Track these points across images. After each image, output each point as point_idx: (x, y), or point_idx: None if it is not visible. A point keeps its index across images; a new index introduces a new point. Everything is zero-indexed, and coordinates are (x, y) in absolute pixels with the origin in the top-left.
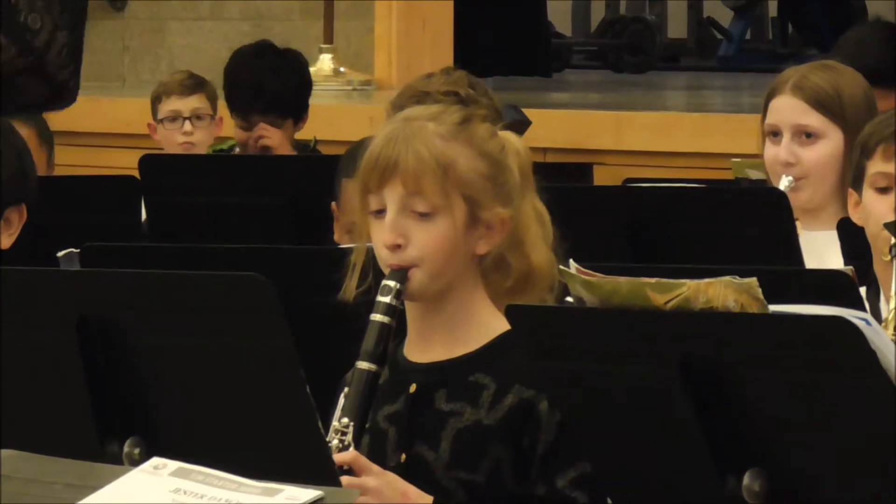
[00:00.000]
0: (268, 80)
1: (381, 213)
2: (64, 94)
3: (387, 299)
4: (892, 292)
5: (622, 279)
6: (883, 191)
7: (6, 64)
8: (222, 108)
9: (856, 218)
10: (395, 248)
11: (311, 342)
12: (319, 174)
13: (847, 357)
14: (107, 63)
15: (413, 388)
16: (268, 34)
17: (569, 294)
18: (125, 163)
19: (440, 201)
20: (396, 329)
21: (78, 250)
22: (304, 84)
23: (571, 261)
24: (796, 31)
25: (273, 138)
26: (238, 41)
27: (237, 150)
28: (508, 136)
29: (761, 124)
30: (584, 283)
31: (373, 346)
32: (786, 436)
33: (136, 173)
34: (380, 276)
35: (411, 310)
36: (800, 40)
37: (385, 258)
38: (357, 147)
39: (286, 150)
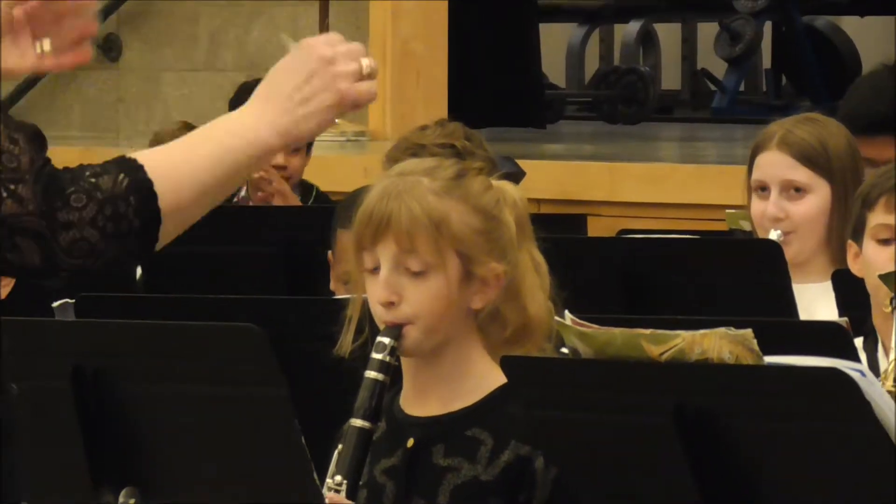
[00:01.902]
0: None
1: (375, 269)
2: (50, 276)
3: (381, 356)
4: (892, 344)
5: (617, 330)
6: (884, 242)
7: (15, 217)
8: None
9: (855, 269)
10: (389, 305)
11: (306, 392)
12: (314, 224)
13: (842, 408)
14: (101, 114)
15: (411, 442)
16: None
17: (564, 345)
18: None
19: (433, 259)
20: (393, 380)
21: (73, 301)
22: None
23: (567, 312)
24: (790, 82)
25: (294, 161)
26: (232, 91)
27: (244, 188)
28: (505, 187)
29: (747, 179)
30: (579, 334)
31: (366, 402)
32: (781, 486)
33: None
34: (376, 328)
35: (407, 363)
36: (793, 92)
37: (379, 315)
38: (353, 197)
39: (298, 178)
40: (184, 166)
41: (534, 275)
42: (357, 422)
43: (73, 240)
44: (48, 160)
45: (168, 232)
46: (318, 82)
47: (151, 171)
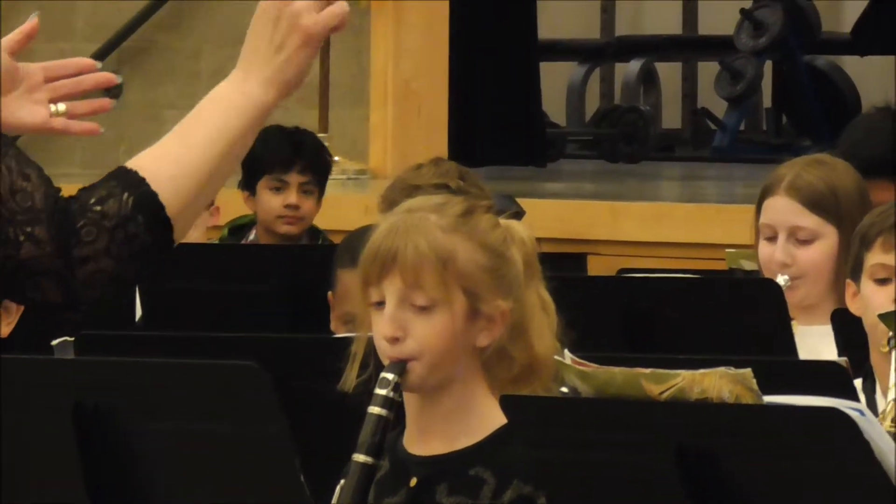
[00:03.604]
0: (307, 139)
1: (381, 304)
2: (65, 313)
3: (384, 392)
4: (890, 384)
5: (617, 369)
6: (882, 282)
7: (34, 259)
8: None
9: (854, 308)
10: (394, 340)
11: (309, 430)
12: (315, 263)
13: (841, 448)
14: (103, 152)
15: (414, 481)
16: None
17: (564, 384)
18: None
19: (439, 295)
20: (396, 419)
21: (73, 338)
22: (330, 161)
23: (566, 351)
24: (790, 121)
25: (307, 203)
26: None
27: (253, 232)
28: (513, 226)
29: (755, 221)
30: (578, 373)
31: (369, 438)
32: None
33: None
34: (380, 366)
35: (410, 401)
36: (794, 131)
37: (384, 350)
38: (353, 237)
39: (310, 222)
40: (183, 162)
41: (541, 314)
42: (360, 457)
43: (91, 272)
44: (59, 191)
45: (183, 228)
46: (283, 27)
47: (153, 181)
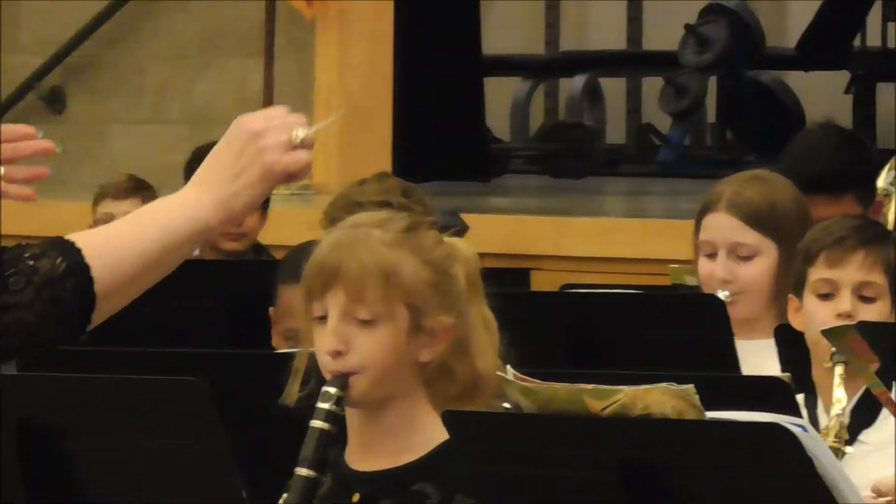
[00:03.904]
0: None
1: (323, 319)
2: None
3: (327, 406)
4: (834, 398)
5: (559, 385)
6: (825, 297)
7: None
8: None
9: (796, 323)
10: (337, 354)
11: (251, 446)
12: (257, 279)
13: (783, 464)
14: (46, 165)
15: (356, 497)
16: (208, 137)
17: (507, 400)
18: None
19: (382, 309)
20: (338, 434)
21: None
22: None
23: (509, 367)
24: (735, 137)
25: (250, 220)
26: (178, 144)
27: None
28: (457, 244)
29: (695, 238)
30: (521, 389)
31: (312, 452)
32: None
33: None
34: (322, 381)
35: (353, 417)
36: (739, 146)
37: (326, 365)
38: (296, 252)
39: (255, 237)
40: (123, 248)
41: (483, 332)
42: (302, 471)
43: (11, 322)
44: None
45: (103, 312)
46: (247, 157)
47: (89, 255)
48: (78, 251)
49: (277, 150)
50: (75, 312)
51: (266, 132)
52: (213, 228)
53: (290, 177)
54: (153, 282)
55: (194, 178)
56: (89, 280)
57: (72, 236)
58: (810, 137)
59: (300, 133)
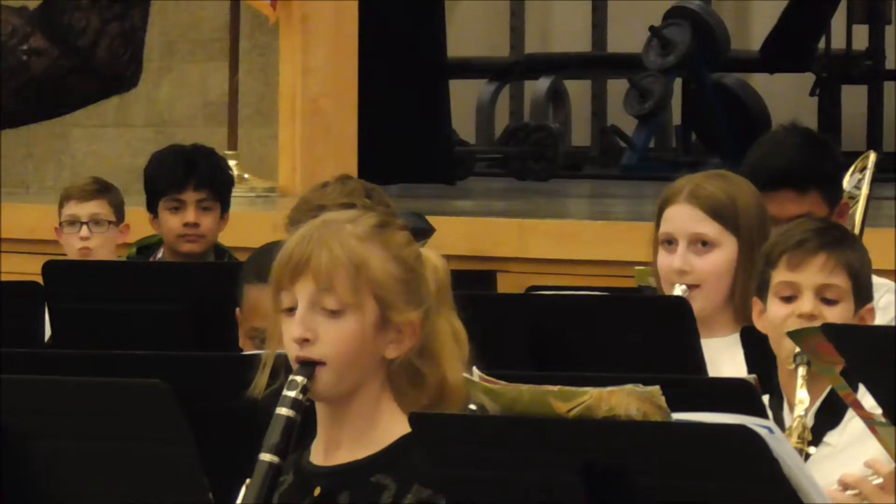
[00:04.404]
0: (200, 157)
1: (292, 311)
2: (123, 82)
3: (293, 393)
4: (797, 399)
5: (525, 387)
6: (787, 300)
7: (50, 67)
8: (136, 214)
9: (760, 326)
10: (304, 342)
11: (217, 448)
12: (221, 280)
13: (749, 465)
14: (10, 168)
15: (317, 491)
16: (171, 140)
17: (472, 401)
18: (29, 269)
19: (351, 299)
20: (304, 433)
21: None
22: (230, 176)
23: (474, 368)
24: (699, 139)
25: (206, 220)
26: (141, 147)
27: (161, 251)
28: (427, 253)
29: (654, 233)
30: (486, 390)
31: (277, 438)
32: None
33: (39, 279)
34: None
35: (320, 413)
36: (703, 148)
37: (293, 352)
38: (260, 253)
39: (213, 239)
40: None
41: (452, 342)
42: (266, 456)
43: (107, 47)
44: (24, 7)
45: None
46: None
47: None
48: None
49: None
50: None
51: None
52: None
53: None
54: None
55: None
56: None
57: None
58: (775, 136)
59: None
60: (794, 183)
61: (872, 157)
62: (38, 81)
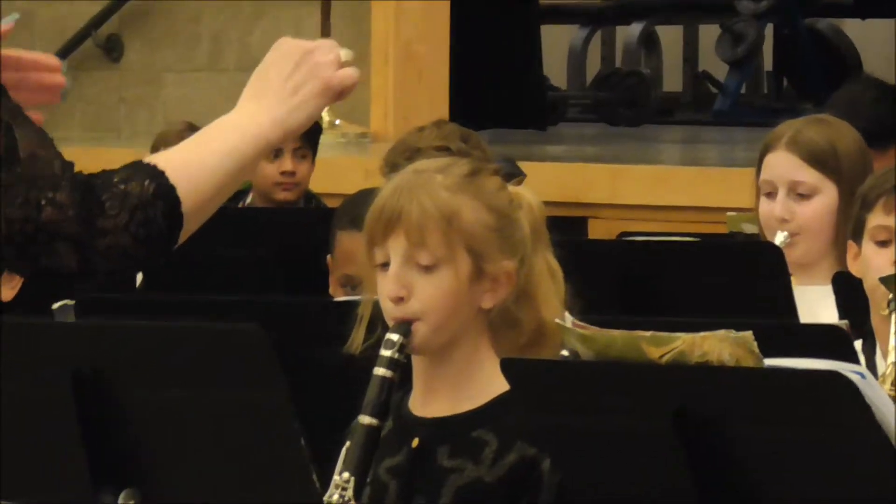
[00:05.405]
0: None
1: (386, 266)
2: (87, 280)
3: (389, 353)
4: (890, 346)
5: (617, 332)
6: (883, 244)
7: (52, 222)
8: None
9: (854, 270)
10: (399, 300)
11: (310, 395)
12: (311, 227)
13: (842, 411)
14: (102, 114)
15: (416, 442)
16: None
17: (565, 347)
18: None
19: (444, 253)
20: (403, 380)
21: (72, 302)
22: (318, 123)
23: (567, 314)
24: (791, 85)
25: (302, 168)
26: (234, 92)
27: (250, 195)
28: (521, 192)
29: (756, 179)
30: (579, 336)
31: (374, 400)
32: (780, 490)
33: None
34: (387, 329)
35: (417, 364)
36: (795, 94)
37: (389, 311)
38: (353, 199)
39: (306, 186)
40: (199, 168)
41: (549, 281)
42: (365, 419)
43: (109, 245)
44: (73, 164)
45: (186, 232)
46: (304, 71)
47: (172, 176)
48: (162, 173)
49: (331, 67)
50: (165, 233)
51: (317, 50)
52: (272, 144)
53: (341, 93)
54: (226, 199)
55: (247, 94)
56: (177, 200)
57: (151, 159)
58: (846, 95)
59: (345, 52)
60: (873, 143)
61: None
62: (36, 228)
